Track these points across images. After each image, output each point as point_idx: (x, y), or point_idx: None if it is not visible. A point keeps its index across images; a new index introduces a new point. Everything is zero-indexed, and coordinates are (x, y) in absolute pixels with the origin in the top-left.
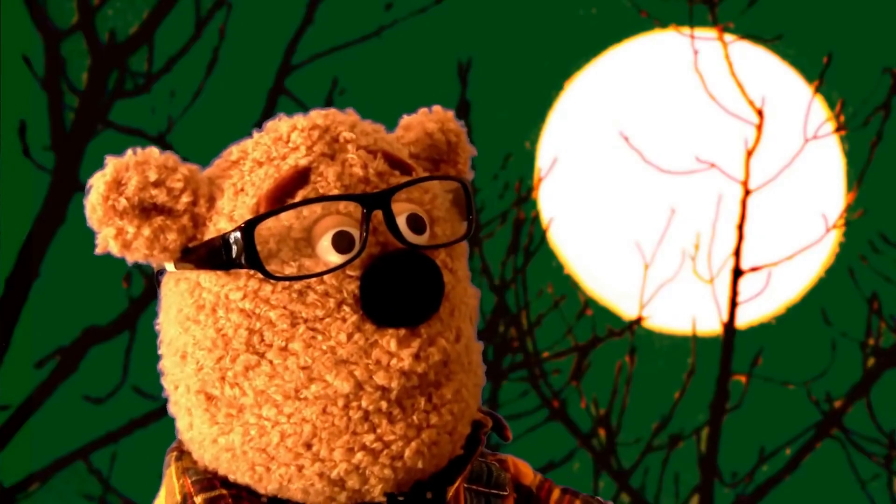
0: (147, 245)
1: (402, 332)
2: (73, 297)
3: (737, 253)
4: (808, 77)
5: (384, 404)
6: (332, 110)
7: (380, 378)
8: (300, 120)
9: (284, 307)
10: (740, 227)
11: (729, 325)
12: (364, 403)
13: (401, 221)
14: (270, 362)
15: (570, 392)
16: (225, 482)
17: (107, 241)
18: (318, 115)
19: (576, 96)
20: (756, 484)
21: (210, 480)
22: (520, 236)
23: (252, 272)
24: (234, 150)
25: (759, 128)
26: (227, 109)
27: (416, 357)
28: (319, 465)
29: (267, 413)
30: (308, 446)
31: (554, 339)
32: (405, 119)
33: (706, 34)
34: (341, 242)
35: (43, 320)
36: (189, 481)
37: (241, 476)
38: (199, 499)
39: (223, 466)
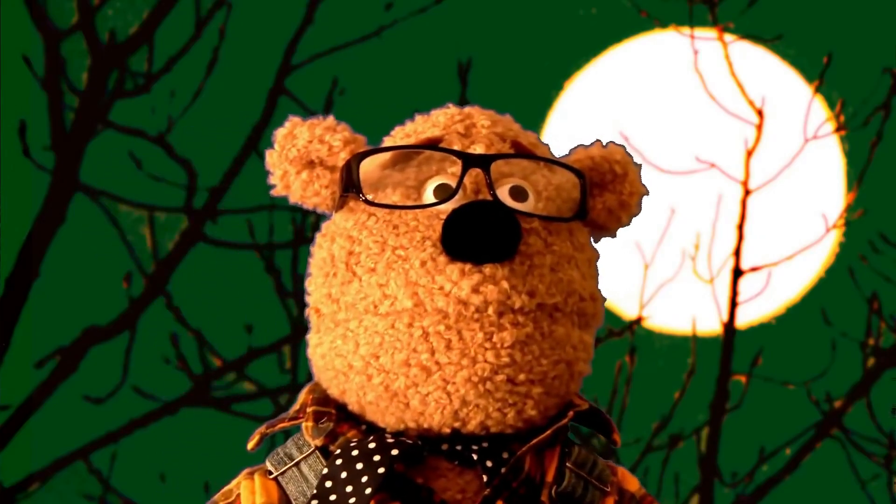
0: (302, 188)
1: (468, 266)
2: (73, 297)
3: (737, 253)
4: (808, 77)
5: (442, 328)
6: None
7: (439, 301)
8: (453, 108)
9: (380, 235)
10: (740, 227)
11: (729, 325)
12: (425, 323)
13: (504, 188)
14: (360, 279)
15: None
16: (338, 406)
17: (274, 181)
18: (471, 108)
19: (576, 96)
20: (756, 484)
21: (326, 399)
22: None
23: (365, 208)
24: (396, 129)
25: (759, 128)
26: (227, 109)
27: (475, 289)
28: (384, 377)
29: (353, 326)
30: (376, 357)
31: None
32: (577, 147)
33: (706, 34)
34: (441, 192)
35: (43, 320)
36: (311, 397)
37: (333, 388)
38: (311, 409)
39: (323, 377)
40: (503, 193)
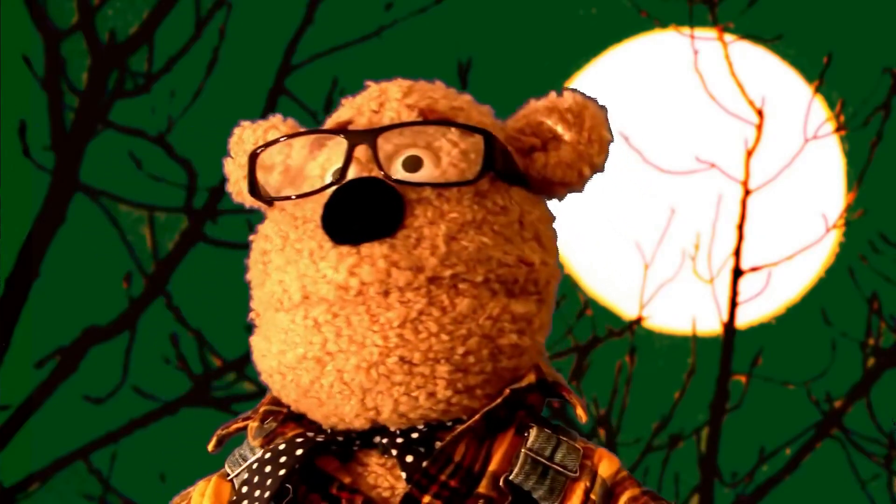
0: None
1: (345, 248)
2: (73, 297)
3: (737, 253)
4: (808, 77)
5: (330, 316)
6: (416, 80)
7: (322, 289)
8: (373, 85)
9: (283, 230)
10: (740, 227)
11: (729, 325)
12: (314, 313)
13: (397, 160)
14: (269, 277)
15: None
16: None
17: (229, 188)
18: (392, 81)
19: None
20: (756, 484)
21: (280, 401)
22: None
23: (276, 204)
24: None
25: (759, 128)
26: (227, 109)
27: (351, 272)
28: (292, 374)
29: (268, 325)
30: (284, 354)
31: (554, 339)
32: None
33: (706, 34)
34: (337, 176)
35: (43, 320)
36: (270, 396)
37: (272, 389)
38: (263, 408)
39: (263, 378)
40: (395, 166)
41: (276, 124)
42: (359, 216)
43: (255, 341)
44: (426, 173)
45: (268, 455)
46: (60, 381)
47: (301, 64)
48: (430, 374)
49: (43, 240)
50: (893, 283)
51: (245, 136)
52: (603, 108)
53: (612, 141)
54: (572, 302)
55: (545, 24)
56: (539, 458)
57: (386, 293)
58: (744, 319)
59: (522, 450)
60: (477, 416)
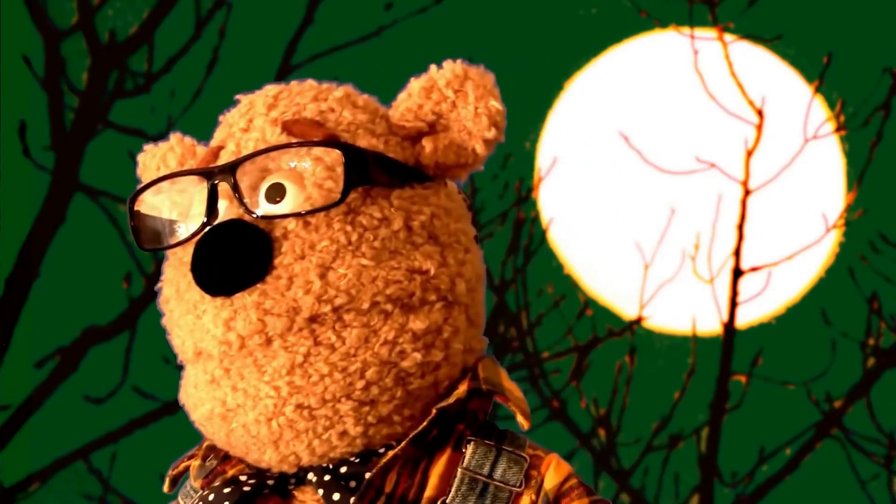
0: None
1: (219, 301)
2: (73, 297)
3: (737, 253)
4: (808, 77)
5: (222, 371)
6: (288, 84)
7: (208, 345)
8: (243, 98)
9: (173, 276)
10: (740, 227)
11: (729, 325)
12: (209, 368)
13: (261, 190)
14: (173, 329)
15: (570, 392)
16: None
17: None
18: (261, 91)
19: (576, 96)
20: (756, 484)
21: None
22: (520, 236)
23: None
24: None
25: (759, 128)
26: (227, 109)
27: (227, 326)
28: (207, 428)
29: (183, 376)
30: (195, 407)
31: (554, 339)
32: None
33: (706, 34)
34: (207, 216)
35: (43, 320)
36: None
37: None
38: (206, 444)
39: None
40: (259, 198)
41: (174, 146)
42: (226, 265)
43: (181, 389)
44: (292, 201)
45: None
46: (60, 381)
47: (301, 64)
48: (334, 414)
49: (43, 240)
50: (893, 283)
51: (147, 161)
52: (488, 76)
53: (501, 110)
54: (572, 302)
55: (545, 24)
56: (478, 475)
57: (268, 342)
58: (744, 319)
59: (459, 469)
60: (404, 443)
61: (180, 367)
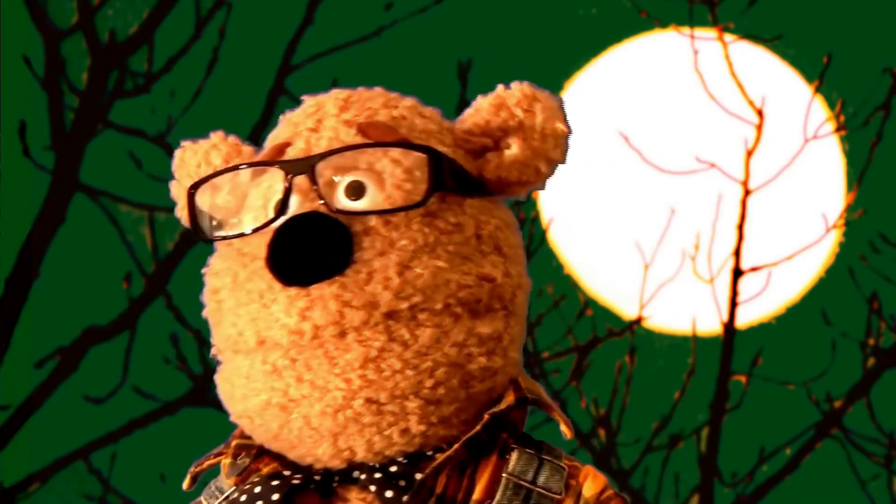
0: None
1: (294, 291)
2: (73, 297)
3: (737, 253)
4: (808, 77)
5: (288, 362)
6: (355, 89)
7: (276, 334)
8: (309, 99)
9: (233, 268)
10: (740, 227)
11: (729, 325)
12: (272, 358)
13: (340, 187)
14: (224, 318)
15: (570, 392)
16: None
17: (178, 213)
18: (328, 93)
19: (576, 96)
20: (756, 484)
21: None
22: None
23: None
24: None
25: (759, 128)
26: (227, 109)
27: (303, 316)
28: (259, 419)
29: (229, 368)
30: (246, 399)
31: (554, 339)
32: (478, 98)
33: (706, 34)
34: (278, 210)
35: (43, 320)
36: (240, 429)
37: (242, 426)
38: (235, 442)
39: (233, 419)
40: (337, 194)
41: (217, 143)
42: (305, 255)
43: (220, 382)
44: (370, 199)
45: (243, 497)
46: (60, 381)
47: (301, 64)
48: (401, 411)
49: (43, 240)
50: (893, 283)
51: (186, 157)
52: (556, 99)
53: (567, 133)
54: (572, 302)
55: (545, 24)
56: (522, 481)
57: (342, 334)
58: (744, 319)
59: (504, 475)
60: (457, 446)
61: (203, 362)
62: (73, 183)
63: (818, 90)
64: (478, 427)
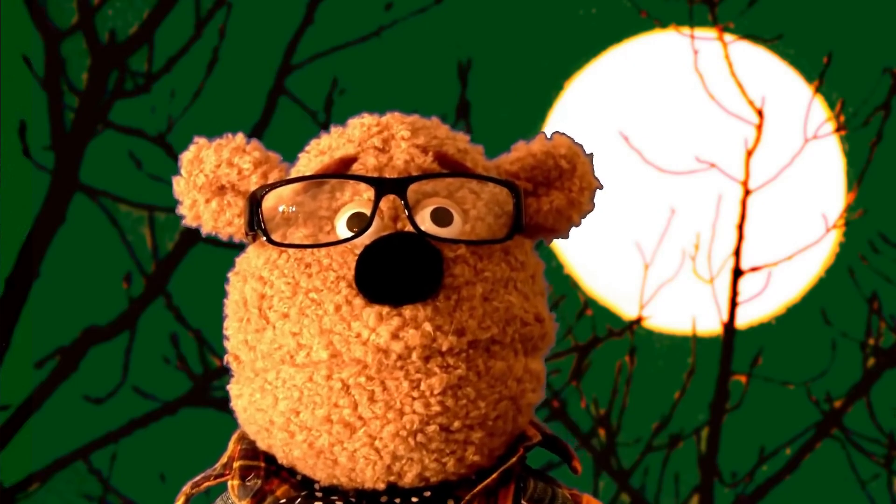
0: (213, 218)
1: (385, 309)
2: (73, 297)
3: (737, 253)
4: (808, 77)
5: (363, 379)
6: (409, 115)
7: (356, 350)
8: (368, 117)
9: (292, 276)
10: (740, 227)
11: (729, 325)
12: (344, 375)
13: (425, 211)
14: (273, 326)
15: (570, 392)
16: (268, 457)
17: (183, 212)
18: (390, 116)
19: (576, 96)
20: (756, 484)
21: (255, 451)
22: None
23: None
24: (311, 142)
25: (759, 128)
26: (227, 109)
27: (394, 335)
28: (306, 434)
29: (270, 377)
30: (296, 412)
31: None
32: (519, 142)
33: (706, 34)
34: (355, 222)
35: (43, 320)
36: (239, 448)
37: (260, 442)
38: (237, 464)
39: (248, 431)
40: (424, 218)
41: (242, 146)
42: (399, 275)
43: (240, 391)
44: (456, 228)
45: None
46: (60, 381)
47: (301, 64)
48: (465, 440)
49: (43, 240)
50: (893, 283)
51: (204, 155)
52: (590, 155)
53: (600, 188)
54: (572, 302)
55: (545, 24)
56: None
57: (428, 358)
58: (744, 319)
59: (524, 501)
60: (496, 475)
61: (221, 367)
62: (73, 183)
63: (818, 90)
64: (513, 459)
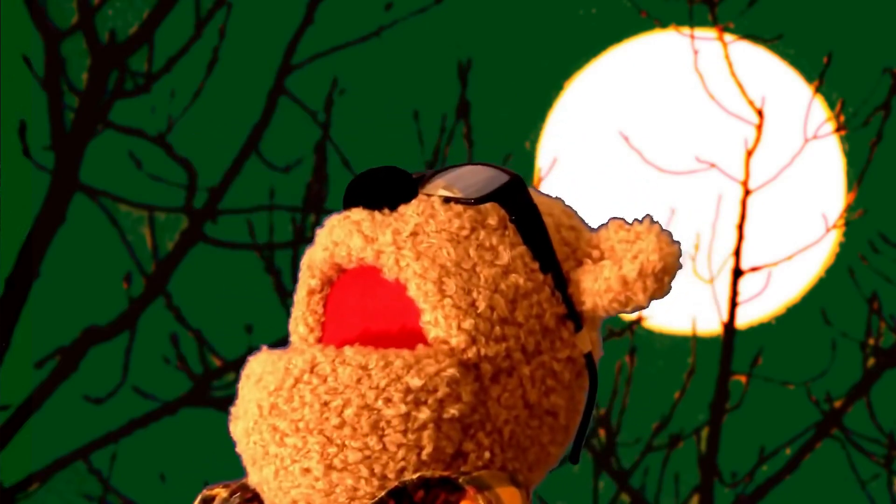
0: None
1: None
2: (73, 297)
3: (737, 253)
4: (808, 77)
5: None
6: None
7: None
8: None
9: None
10: (740, 227)
11: (729, 325)
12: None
13: None
14: None
15: None
16: None
17: None
18: None
19: (576, 96)
20: (756, 484)
21: None
22: None
23: None
24: None
25: (759, 128)
26: (227, 109)
27: None
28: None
29: None
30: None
31: None
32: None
33: (706, 34)
34: None
35: (43, 320)
36: None
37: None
38: (241, 480)
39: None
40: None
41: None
42: (375, 182)
43: None
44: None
45: None
46: (60, 381)
47: (301, 64)
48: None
49: (43, 240)
50: (893, 283)
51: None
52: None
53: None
54: None
55: (545, 24)
56: None
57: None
58: (744, 319)
59: None
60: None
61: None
62: (73, 183)
63: (818, 90)
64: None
